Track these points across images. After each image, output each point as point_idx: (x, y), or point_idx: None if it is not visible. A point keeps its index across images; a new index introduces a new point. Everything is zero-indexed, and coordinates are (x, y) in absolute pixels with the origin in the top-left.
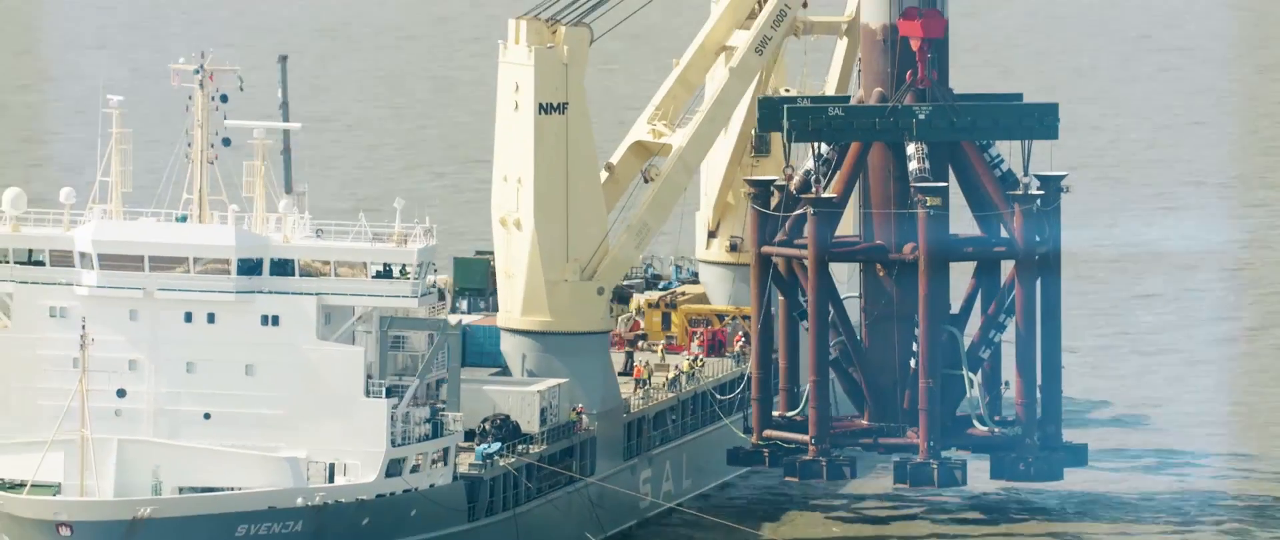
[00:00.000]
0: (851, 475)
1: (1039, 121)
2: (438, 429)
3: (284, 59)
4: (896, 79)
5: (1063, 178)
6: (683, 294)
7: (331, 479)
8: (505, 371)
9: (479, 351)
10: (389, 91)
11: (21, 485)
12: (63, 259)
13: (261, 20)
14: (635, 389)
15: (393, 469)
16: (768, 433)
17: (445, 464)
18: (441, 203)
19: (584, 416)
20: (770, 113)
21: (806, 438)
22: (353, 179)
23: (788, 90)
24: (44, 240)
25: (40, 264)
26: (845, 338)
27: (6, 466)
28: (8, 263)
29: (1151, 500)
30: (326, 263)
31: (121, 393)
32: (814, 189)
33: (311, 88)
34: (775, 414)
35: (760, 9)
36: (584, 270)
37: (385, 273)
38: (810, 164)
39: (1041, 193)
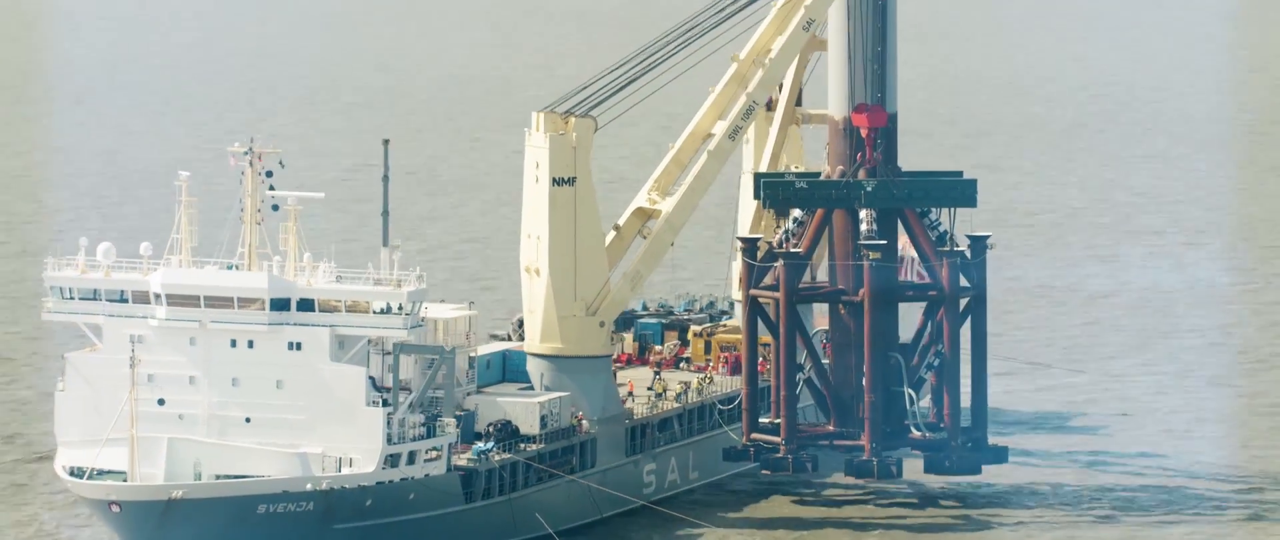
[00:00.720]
0: (814, 469)
1: (961, 193)
2: (432, 431)
3: (387, 142)
4: (851, 158)
5: (988, 237)
6: (723, 326)
7: (340, 470)
8: (531, 386)
9: (515, 370)
10: (473, 166)
11: (102, 473)
12: (141, 297)
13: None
14: (627, 399)
15: (390, 462)
16: (754, 435)
17: (438, 459)
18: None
19: (584, 421)
20: (758, 185)
21: (779, 439)
22: (442, 232)
23: (795, 167)
24: (128, 283)
25: (125, 301)
26: (814, 362)
27: (88, 458)
28: (101, 300)
29: (1059, 490)
30: (339, 301)
31: (161, 401)
32: (786, 245)
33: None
34: (764, 420)
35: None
36: (588, 308)
37: (384, 310)
38: (790, 225)
39: (964, 248)
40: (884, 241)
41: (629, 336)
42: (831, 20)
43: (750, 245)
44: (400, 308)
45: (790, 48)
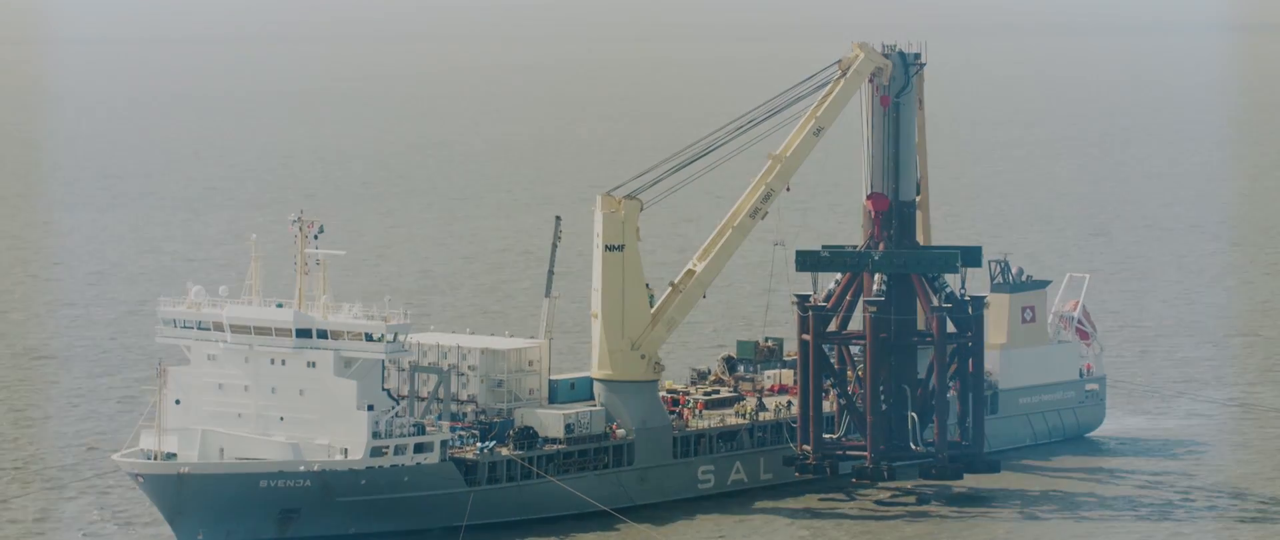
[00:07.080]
0: (832, 473)
1: (946, 262)
2: (422, 429)
3: (558, 218)
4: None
5: (984, 297)
6: None
7: (339, 458)
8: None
9: (587, 391)
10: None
11: (168, 455)
12: (217, 326)
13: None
14: (691, 415)
15: (378, 452)
16: (804, 446)
17: (432, 451)
18: None
19: (619, 430)
20: (797, 256)
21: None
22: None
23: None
24: (208, 316)
25: (206, 329)
26: (841, 391)
27: (151, 441)
28: (191, 328)
29: (1042, 495)
30: (342, 330)
31: (178, 401)
32: (817, 300)
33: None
34: (827, 436)
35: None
36: (633, 344)
37: (374, 338)
38: (831, 285)
39: (949, 306)
40: (882, 298)
41: (787, 372)
42: (863, 124)
43: (802, 300)
44: (382, 337)
45: (803, 148)
